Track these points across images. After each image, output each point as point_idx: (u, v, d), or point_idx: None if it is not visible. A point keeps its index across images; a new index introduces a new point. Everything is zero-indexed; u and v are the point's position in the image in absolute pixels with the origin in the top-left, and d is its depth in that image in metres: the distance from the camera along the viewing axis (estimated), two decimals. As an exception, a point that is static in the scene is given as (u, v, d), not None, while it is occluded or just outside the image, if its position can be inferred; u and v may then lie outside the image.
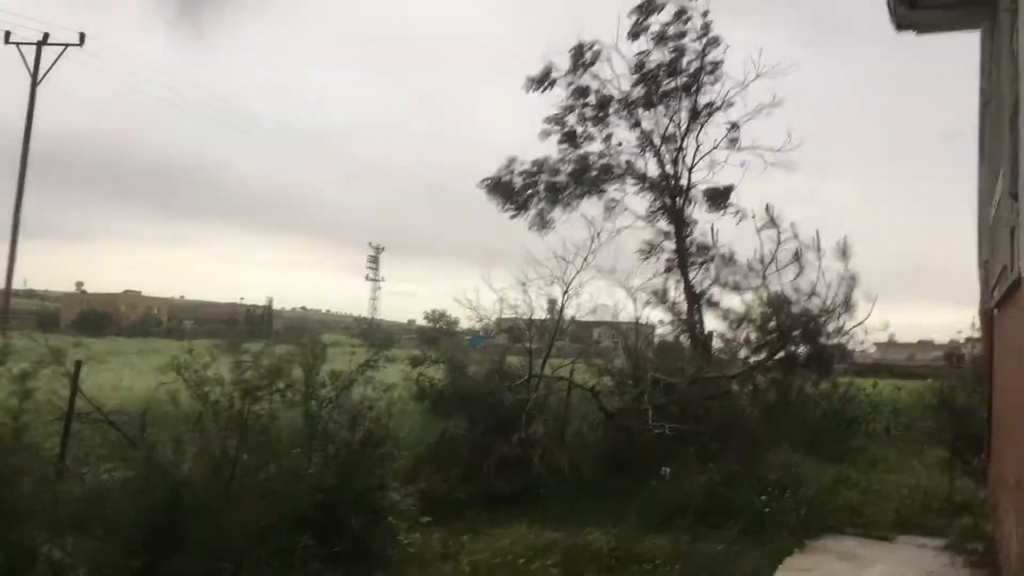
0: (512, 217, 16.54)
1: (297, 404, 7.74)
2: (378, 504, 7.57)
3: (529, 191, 16.53)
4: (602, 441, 12.56)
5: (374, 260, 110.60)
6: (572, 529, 9.19)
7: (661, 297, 15.17)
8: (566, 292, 13.22)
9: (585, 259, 13.26)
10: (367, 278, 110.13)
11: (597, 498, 10.74)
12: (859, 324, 13.32)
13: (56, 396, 6.26)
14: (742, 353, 14.28)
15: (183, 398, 7.36)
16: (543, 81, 16.37)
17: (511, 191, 16.56)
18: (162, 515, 6.13)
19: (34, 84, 44.91)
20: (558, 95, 16.47)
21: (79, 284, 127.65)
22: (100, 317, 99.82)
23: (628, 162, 16.65)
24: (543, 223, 16.54)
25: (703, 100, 16.35)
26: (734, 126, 16.31)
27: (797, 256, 13.58)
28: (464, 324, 14.61)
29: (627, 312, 14.29)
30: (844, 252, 13.14)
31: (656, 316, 15.16)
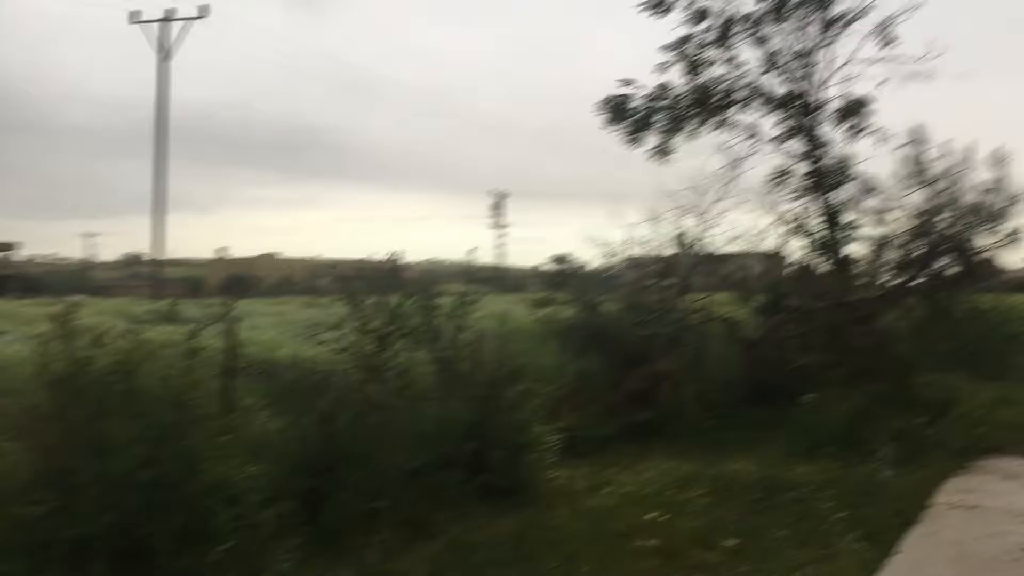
0: (630, 142, 16.11)
1: (434, 348, 8.03)
2: (522, 440, 7.80)
3: (649, 117, 16.09)
4: (742, 371, 12.42)
5: (498, 208, 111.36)
6: (715, 460, 9.18)
7: (797, 223, 14.68)
8: (698, 223, 13.00)
9: (715, 188, 12.99)
10: (492, 226, 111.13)
11: (739, 428, 10.68)
12: (1014, 237, 12.56)
13: (218, 352, 6.72)
14: (886, 274, 13.73)
15: (324, 349, 7.77)
16: (659, 5, 15.84)
17: (628, 115, 16.12)
18: (320, 458, 6.53)
19: (163, 61, 47.00)
20: (675, 20, 15.91)
21: (220, 250, 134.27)
22: (241, 280, 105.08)
23: (754, 84, 16.00)
24: (664, 152, 16.10)
25: (836, 9, 15.44)
26: (874, 34, 15.34)
27: (943, 169, 12.86)
28: (594, 263, 14.57)
29: (763, 240, 13.93)
30: (998, 162, 12.34)
31: (793, 243, 14.69)
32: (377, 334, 7.10)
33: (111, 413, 5.41)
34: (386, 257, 8.79)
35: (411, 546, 6.15)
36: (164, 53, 46.84)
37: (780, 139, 16.02)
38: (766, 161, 15.73)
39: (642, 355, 11.43)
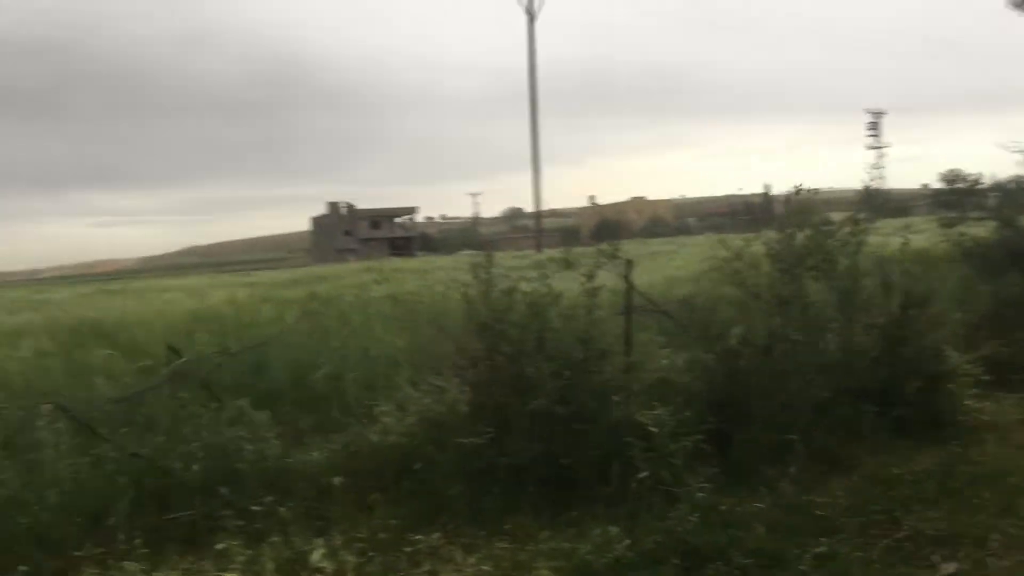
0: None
1: (831, 277, 7.66)
2: (935, 369, 7.24)
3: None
4: None
5: (874, 126, 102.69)
6: None
7: None
8: None
9: None
10: (869, 147, 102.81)
11: None
12: None
13: (614, 293, 7.04)
14: None
15: (714, 286, 7.76)
16: None
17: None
18: (724, 393, 6.60)
19: (531, 21, 49.52)
20: None
21: (591, 198, 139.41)
22: (613, 225, 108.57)
23: None
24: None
25: None
26: None
27: None
28: (992, 177, 12.91)
29: None
30: None
31: None
32: (781, 267, 6.95)
33: (528, 354, 5.93)
34: (755, 192, 8.53)
35: (826, 479, 6.01)
36: (531, 15, 49.40)
37: None
38: None
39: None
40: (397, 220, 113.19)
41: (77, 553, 5.09)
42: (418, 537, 5.36)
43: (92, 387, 7.99)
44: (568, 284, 6.64)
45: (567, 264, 6.61)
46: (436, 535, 5.40)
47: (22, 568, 4.83)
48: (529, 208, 57.03)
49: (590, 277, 6.38)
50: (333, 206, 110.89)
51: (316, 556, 5.03)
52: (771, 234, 7.18)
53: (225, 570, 4.97)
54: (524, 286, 6.33)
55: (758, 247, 7.13)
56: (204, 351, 7.95)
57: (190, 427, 6.34)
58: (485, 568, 5.02)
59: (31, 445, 5.87)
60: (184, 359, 7.29)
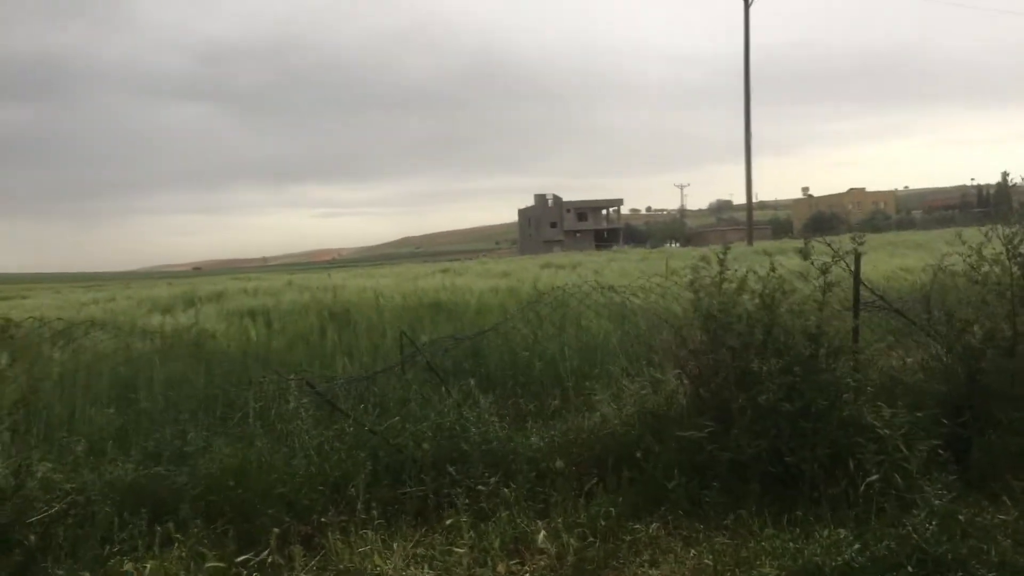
0: None
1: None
2: None
3: None
4: None
5: None
6: None
7: None
8: None
9: None
10: None
11: None
12: None
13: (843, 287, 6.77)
14: None
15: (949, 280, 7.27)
16: None
17: None
18: (963, 395, 6.19)
19: (747, 6, 48.11)
20: None
21: (805, 189, 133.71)
22: (828, 218, 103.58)
23: None
24: None
25: None
26: None
27: None
28: None
29: None
30: None
31: None
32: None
33: (755, 347, 5.82)
34: (990, 181, 7.86)
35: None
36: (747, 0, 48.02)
37: None
38: None
39: None
40: (603, 212, 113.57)
41: (322, 519, 5.54)
42: (637, 526, 5.42)
43: (333, 365, 8.67)
44: (790, 278, 6.46)
45: (803, 255, 6.39)
46: (655, 525, 5.44)
47: (276, 531, 5.31)
48: (738, 200, 55.44)
49: (824, 271, 6.18)
50: (540, 198, 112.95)
51: (540, 537, 5.21)
52: (1010, 228, 6.63)
53: (454, 544, 5.25)
54: (752, 279, 6.24)
55: (996, 243, 6.61)
56: (433, 336, 8.41)
57: (420, 407, 6.77)
58: (706, 562, 5.00)
59: (282, 416, 6.46)
60: (415, 345, 7.72)
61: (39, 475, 5.32)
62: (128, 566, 4.87)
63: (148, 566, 4.89)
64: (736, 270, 6.27)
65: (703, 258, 6.22)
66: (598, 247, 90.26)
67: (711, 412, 5.89)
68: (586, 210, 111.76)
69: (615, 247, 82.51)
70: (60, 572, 4.86)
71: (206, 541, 5.20)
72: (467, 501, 5.63)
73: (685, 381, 6.30)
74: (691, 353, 6.13)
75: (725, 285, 6.06)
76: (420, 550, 5.27)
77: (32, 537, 5.00)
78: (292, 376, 6.76)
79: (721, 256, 6.07)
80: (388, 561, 5.09)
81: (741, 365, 5.78)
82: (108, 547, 5.13)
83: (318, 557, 5.23)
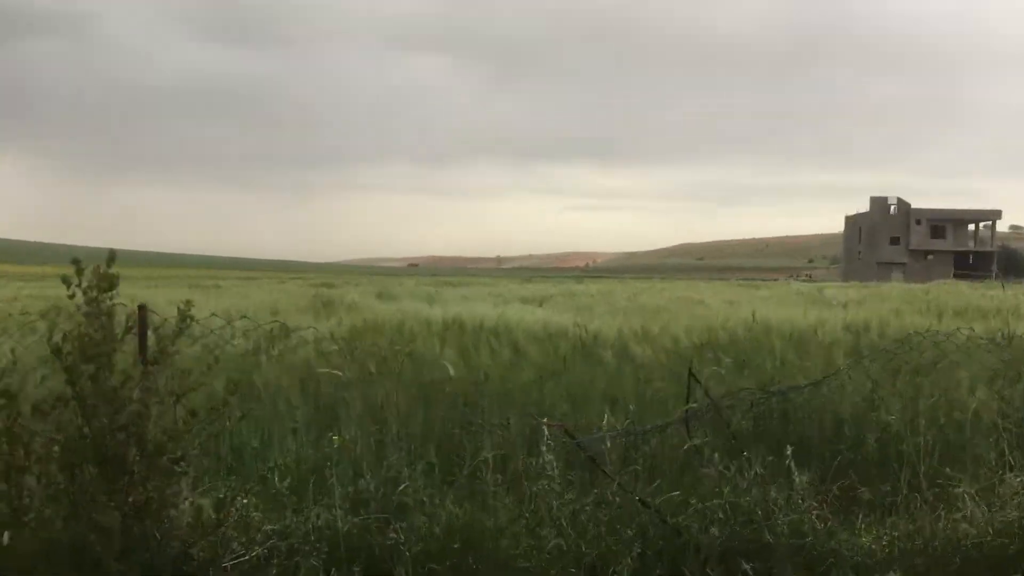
0: None
1: None
2: None
3: None
4: None
5: None
6: None
7: None
8: None
9: None
10: None
11: None
12: None
13: None
14: None
15: None
16: None
17: None
18: None
19: None
20: None
21: None
22: None
23: None
24: None
25: None
26: None
27: None
28: None
29: None
30: None
31: None
32: None
33: None
34: None
35: None
36: None
37: None
38: None
39: None
40: (969, 228, 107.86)
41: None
42: None
43: (589, 410, 8.95)
44: None
45: None
46: None
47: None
48: None
49: None
50: (878, 202, 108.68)
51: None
52: None
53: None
54: None
55: None
56: (727, 384, 8.48)
57: (707, 478, 6.86)
58: None
59: (527, 472, 6.78)
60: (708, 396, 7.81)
61: (236, 511, 5.91)
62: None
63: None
64: None
65: None
66: (958, 276, 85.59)
67: None
68: (945, 223, 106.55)
69: (986, 277, 78.13)
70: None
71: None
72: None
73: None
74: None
75: None
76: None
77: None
78: (546, 421, 7.06)
79: None
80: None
81: None
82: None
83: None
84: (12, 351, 6.18)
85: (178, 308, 5.82)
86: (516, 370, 10.89)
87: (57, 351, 5.33)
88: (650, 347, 11.90)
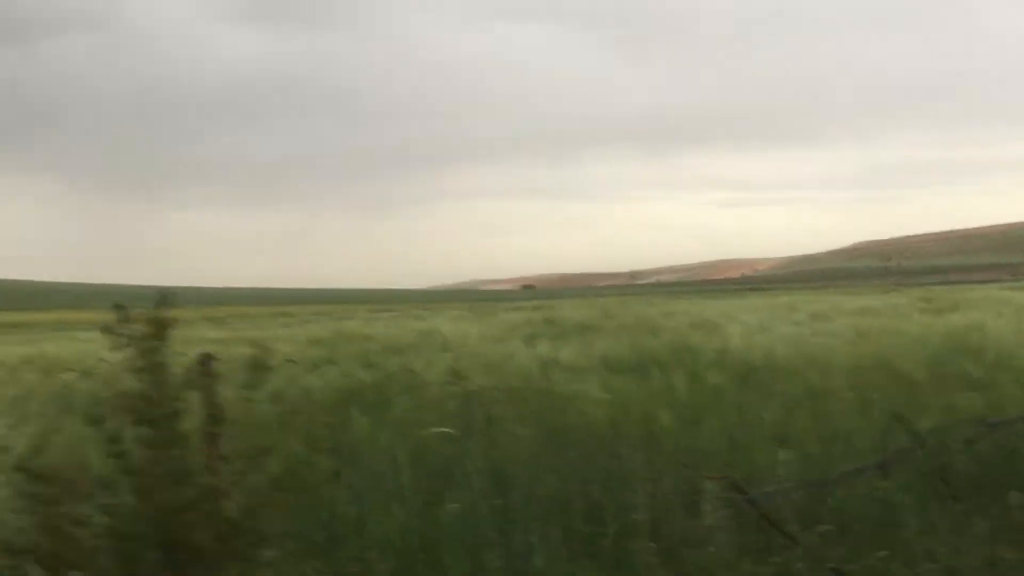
0: None
1: None
2: None
3: None
4: None
5: None
6: None
7: None
8: None
9: None
10: None
11: None
12: None
13: None
14: None
15: None
16: None
17: None
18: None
19: None
20: None
21: None
22: None
23: None
24: None
25: None
26: None
27: None
28: None
29: None
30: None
31: None
32: None
33: None
34: None
35: None
36: None
37: None
38: None
39: None
40: None
41: None
42: None
43: (751, 456, 8.55)
44: None
45: None
46: None
47: None
48: None
49: None
50: None
51: None
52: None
53: None
54: None
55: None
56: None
57: (917, 538, 6.39)
58: None
59: (687, 537, 6.40)
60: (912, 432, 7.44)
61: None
62: None
63: None
64: None
65: None
66: None
67: None
68: None
69: None
70: None
71: None
72: None
73: None
74: None
75: None
76: None
77: None
78: (708, 475, 6.73)
79: None
80: None
81: None
82: None
83: None
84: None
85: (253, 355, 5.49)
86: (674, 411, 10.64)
87: (99, 419, 5.07)
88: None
